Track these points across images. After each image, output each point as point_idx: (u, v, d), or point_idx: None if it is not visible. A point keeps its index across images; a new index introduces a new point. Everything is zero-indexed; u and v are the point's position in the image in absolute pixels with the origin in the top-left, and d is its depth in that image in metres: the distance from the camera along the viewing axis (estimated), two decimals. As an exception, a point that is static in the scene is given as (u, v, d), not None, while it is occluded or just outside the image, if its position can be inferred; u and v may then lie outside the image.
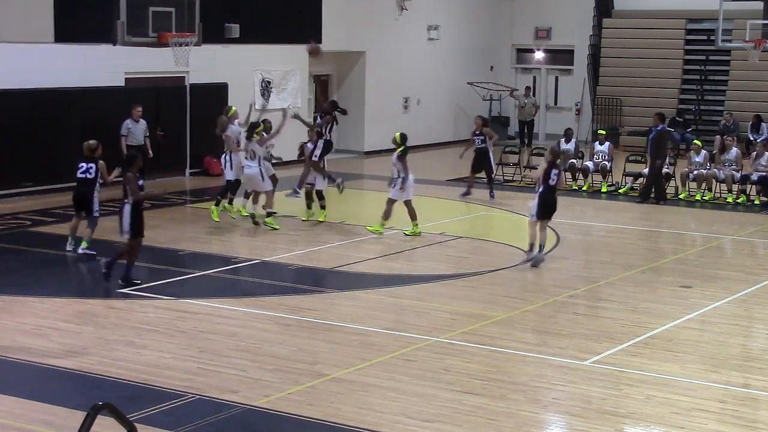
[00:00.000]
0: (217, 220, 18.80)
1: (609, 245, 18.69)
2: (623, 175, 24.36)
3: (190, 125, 24.93)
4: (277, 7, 26.79)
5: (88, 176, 16.61)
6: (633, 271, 16.28)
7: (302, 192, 19.35)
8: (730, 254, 18.38)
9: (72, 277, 15.49)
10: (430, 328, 12.93)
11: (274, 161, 20.01)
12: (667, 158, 23.77)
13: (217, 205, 18.92)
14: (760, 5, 26.27)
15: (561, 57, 35.09)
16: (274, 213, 18.80)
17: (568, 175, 24.31)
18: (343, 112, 20.59)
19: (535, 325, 13.34)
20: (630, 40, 33.26)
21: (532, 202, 16.54)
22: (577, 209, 22.02)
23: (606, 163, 24.40)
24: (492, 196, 22.54)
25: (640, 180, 23.72)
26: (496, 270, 16.21)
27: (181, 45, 20.87)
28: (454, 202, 22.66)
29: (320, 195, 19.47)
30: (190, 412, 9.93)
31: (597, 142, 25.35)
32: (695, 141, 24.82)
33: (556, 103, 35.27)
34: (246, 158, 18.86)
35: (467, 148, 23.46)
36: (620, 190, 24.08)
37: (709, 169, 23.32)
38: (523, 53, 35.79)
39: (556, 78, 35.31)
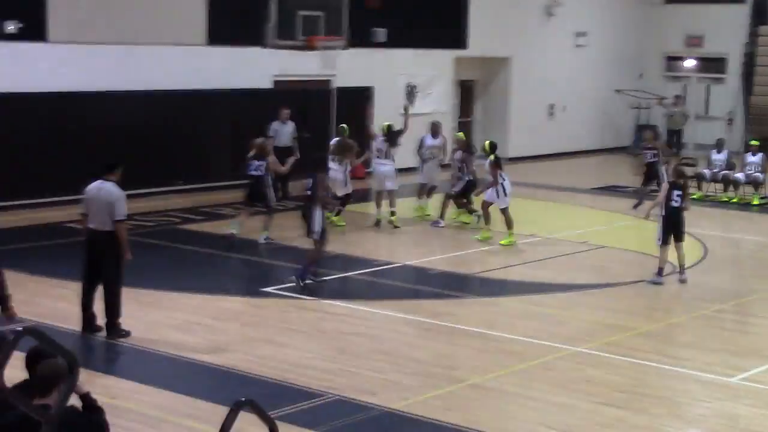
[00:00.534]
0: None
1: (760, 259, 18.19)
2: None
3: (335, 128, 25.17)
4: (424, 12, 26.96)
5: (260, 173, 17.59)
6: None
7: (443, 222, 19.43)
8: None
9: (217, 275, 15.80)
10: (571, 337, 12.79)
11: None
12: None
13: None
14: None
15: (713, 65, 34.28)
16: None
17: (720, 186, 23.76)
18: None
19: (680, 339, 13.07)
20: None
21: (657, 226, 15.95)
22: (727, 222, 21.50)
23: (758, 174, 23.72)
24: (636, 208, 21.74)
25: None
26: (639, 281, 15.92)
27: (328, 48, 21.17)
28: (598, 211, 22.35)
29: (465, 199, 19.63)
30: (330, 412, 10.04)
31: (749, 153, 24.66)
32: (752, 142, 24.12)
33: (706, 113, 34.46)
34: (378, 157, 19.40)
35: (638, 163, 22.60)
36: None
37: None
38: (673, 61, 35.10)
39: (708, 87, 34.51)
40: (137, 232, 17.84)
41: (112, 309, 12.12)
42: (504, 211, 18.20)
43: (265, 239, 17.60)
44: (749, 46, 33.02)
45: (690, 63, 34.57)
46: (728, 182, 23.96)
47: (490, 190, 18.31)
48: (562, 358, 11.96)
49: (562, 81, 31.69)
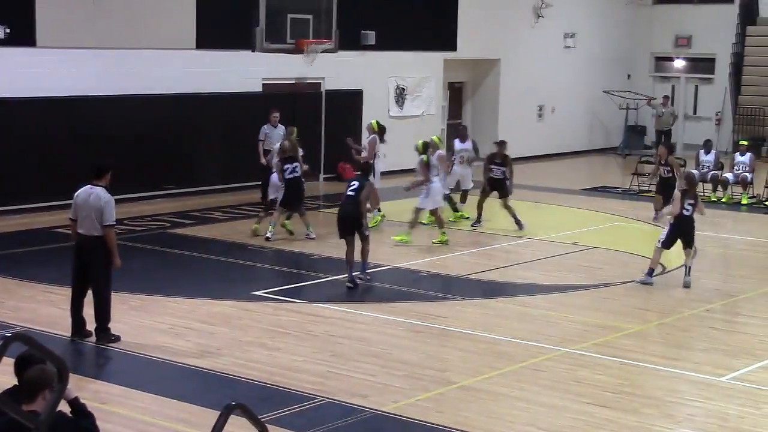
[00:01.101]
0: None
1: (748, 259, 18.23)
2: (765, 186, 23.71)
3: (324, 131, 25.20)
4: (413, 14, 26.99)
5: (296, 174, 18.03)
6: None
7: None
8: None
9: (207, 279, 15.79)
10: (561, 338, 12.81)
11: None
12: None
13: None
14: None
15: (701, 65, 34.38)
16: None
17: (709, 186, 23.82)
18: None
19: (670, 339, 13.08)
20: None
21: (663, 230, 15.95)
22: (716, 222, 21.51)
23: (747, 174, 23.80)
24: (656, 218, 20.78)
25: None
26: (629, 281, 15.95)
27: (317, 51, 21.18)
28: (588, 211, 22.38)
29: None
30: (321, 415, 10.04)
31: (738, 153, 24.75)
32: None
33: (695, 113, 34.57)
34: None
35: (652, 178, 22.37)
36: (766, 202, 23.43)
37: None
38: (661, 61, 35.19)
39: (696, 87, 34.61)
40: (127, 236, 17.85)
41: (102, 314, 12.10)
42: (434, 211, 18.29)
43: (309, 235, 18.13)
44: (737, 47, 33.12)
45: (678, 63, 34.66)
46: (717, 182, 24.03)
47: (420, 197, 18.24)
48: (552, 359, 11.98)
49: (552, 82, 31.76)
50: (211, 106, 22.85)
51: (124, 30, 21.12)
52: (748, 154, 24.15)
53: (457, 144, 20.99)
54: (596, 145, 33.40)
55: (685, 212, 15.45)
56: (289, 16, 20.61)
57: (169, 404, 10.28)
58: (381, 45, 26.10)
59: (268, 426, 5.80)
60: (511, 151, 29.61)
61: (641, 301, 14.90)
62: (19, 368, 5.87)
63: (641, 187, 25.03)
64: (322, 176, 25.34)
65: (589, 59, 33.18)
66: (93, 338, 12.15)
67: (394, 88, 27.30)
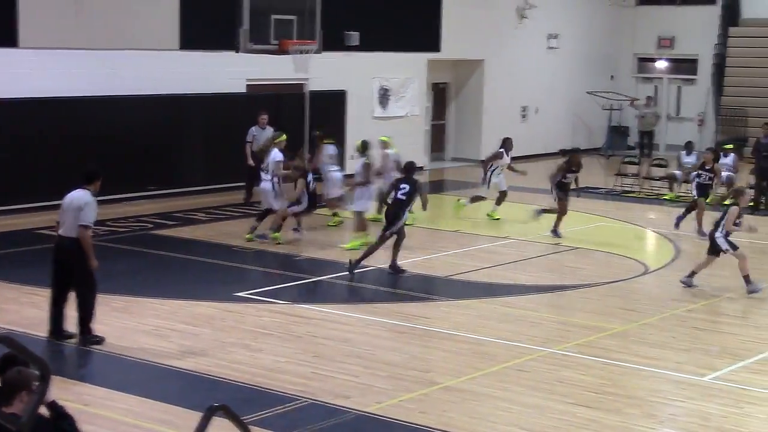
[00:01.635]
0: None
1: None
2: (748, 187, 23.74)
3: (308, 132, 25.17)
4: (397, 15, 27.00)
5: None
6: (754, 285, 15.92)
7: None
8: None
9: (190, 280, 15.76)
10: (544, 338, 12.83)
11: None
12: None
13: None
14: None
15: (684, 66, 34.50)
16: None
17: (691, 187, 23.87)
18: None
19: (653, 339, 13.09)
20: (757, 49, 32.49)
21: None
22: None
23: (731, 174, 23.85)
24: (677, 226, 20.19)
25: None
26: (612, 282, 15.99)
27: (301, 52, 21.15)
28: (571, 212, 22.35)
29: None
30: (304, 416, 10.04)
31: (721, 154, 24.80)
32: None
33: (678, 114, 34.68)
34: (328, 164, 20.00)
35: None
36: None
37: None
38: (644, 62, 35.29)
39: (679, 88, 34.72)
40: (110, 237, 17.82)
41: (84, 315, 12.07)
42: (360, 213, 18.14)
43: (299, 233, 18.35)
44: (720, 47, 33.24)
45: (661, 64, 34.76)
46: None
47: (362, 197, 18.13)
48: (535, 360, 12.00)
49: (535, 83, 31.83)
50: (195, 107, 22.80)
51: (107, 31, 21.06)
52: (731, 155, 24.22)
53: (505, 156, 21.23)
54: (579, 145, 33.35)
55: (736, 228, 15.33)
56: (273, 16, 20.59)
57: (152, 406, 10.26)
58: (365, 46, 26.10)
59: (251, 427, 5.80)
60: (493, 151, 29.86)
61: (624, 302, 14.94)
62: (1, 370, 5.86)
63: (624, 188, 25.10)
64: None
65: (573, 60, 33.26)
66: (76, 339, 12.12)
67: (378, 89, 27.30)
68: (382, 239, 16.11)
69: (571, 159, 19.79)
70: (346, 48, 25.60)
